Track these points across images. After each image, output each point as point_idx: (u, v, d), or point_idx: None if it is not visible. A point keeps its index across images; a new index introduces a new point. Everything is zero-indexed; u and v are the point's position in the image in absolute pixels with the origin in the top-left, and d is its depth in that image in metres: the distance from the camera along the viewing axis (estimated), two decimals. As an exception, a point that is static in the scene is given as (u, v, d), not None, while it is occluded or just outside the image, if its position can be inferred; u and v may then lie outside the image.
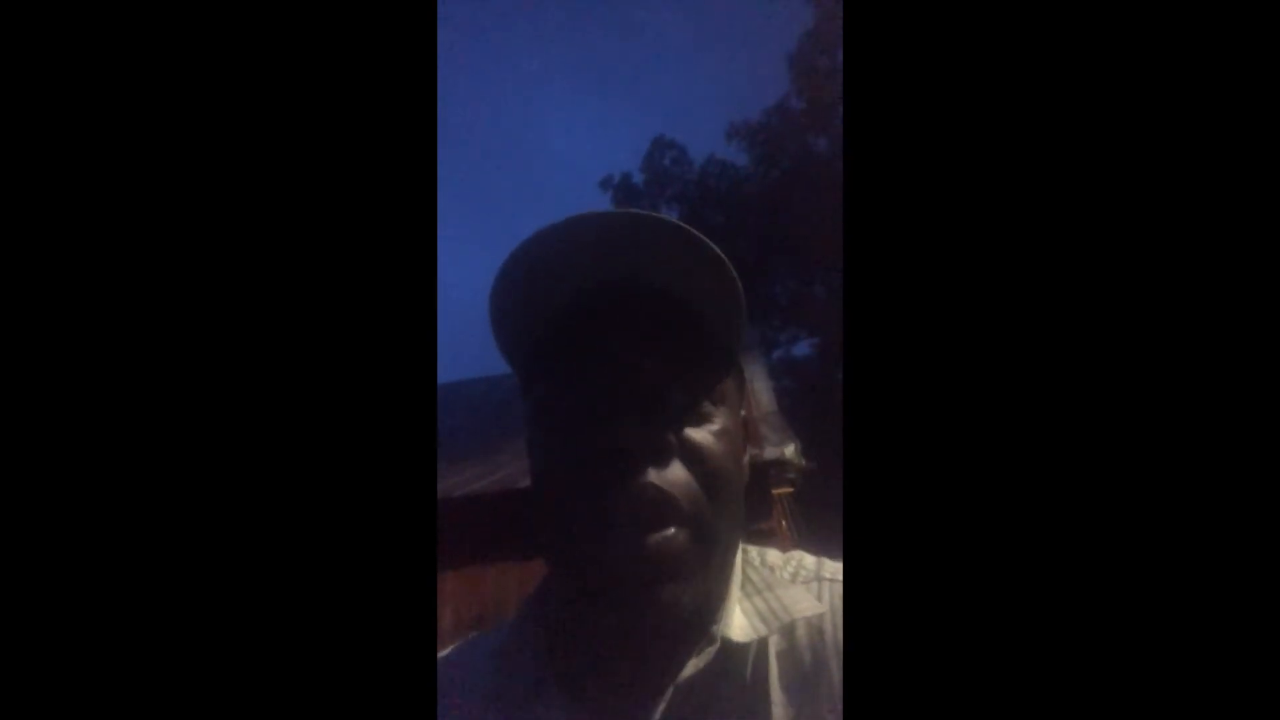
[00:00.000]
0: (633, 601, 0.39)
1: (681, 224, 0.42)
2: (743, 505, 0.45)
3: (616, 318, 0.43)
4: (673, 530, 0.39)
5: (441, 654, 0.50)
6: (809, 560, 0.49)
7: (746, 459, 0.48)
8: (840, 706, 0.40)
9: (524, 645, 0.46)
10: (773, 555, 0.50)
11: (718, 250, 0.42)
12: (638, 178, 14.66)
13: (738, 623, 0.43)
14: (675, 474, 0.40)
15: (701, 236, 0.42)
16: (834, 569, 0.47)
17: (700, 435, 0.42)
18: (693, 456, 0.41)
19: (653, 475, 0.40)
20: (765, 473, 4.09)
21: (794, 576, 0.47)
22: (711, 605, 0.44)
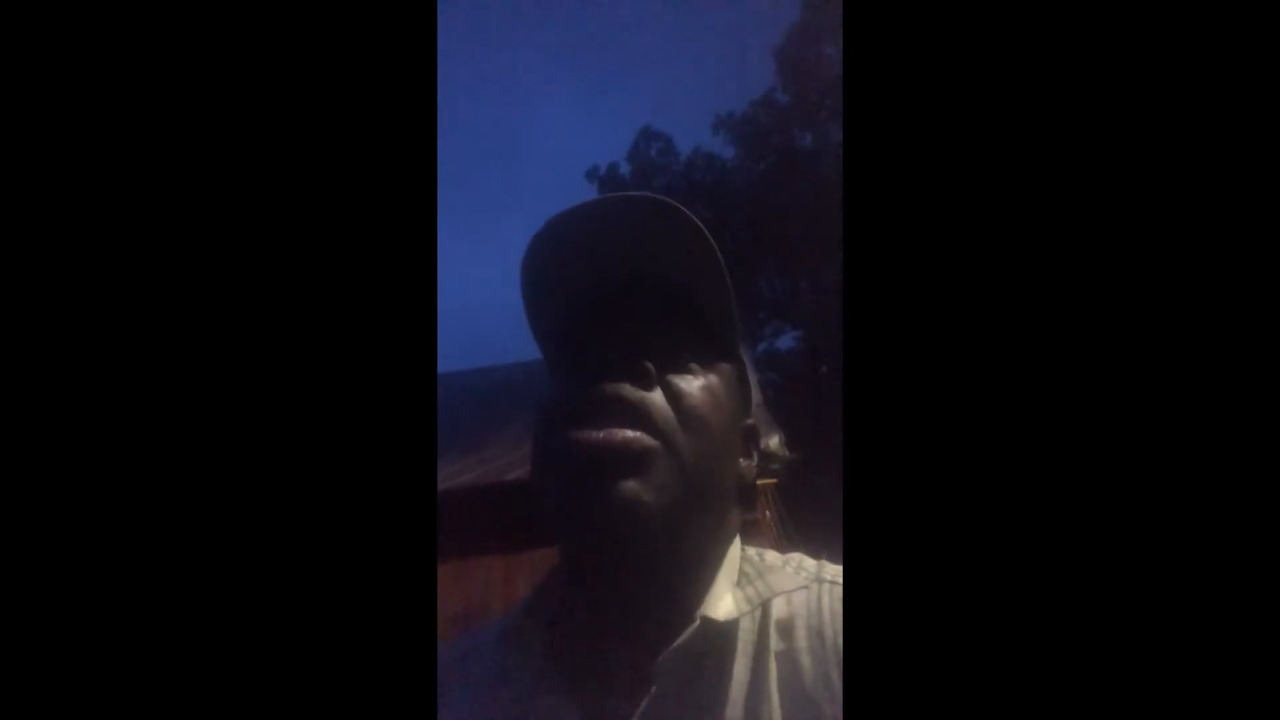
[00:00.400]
0: (589, 492, 0.40)
1: (680, 207, 0.45)
2: (722, 479, 0.46)
3: (625, 308, 0.47)
4: (637, 432, 0.42)
5: (447, 640, 0.51)
6: (809, 562, 0.49)
7: (754, 462, 0.50)
8: (840, 713, 0.40)
9: (529, 630, 0.47)
10: (771, 555, 0.50)
11: (709, 236, 0.46)
12: (624, 168, 14.61)
13: (723, 606, 0.44)
14: (653, 396, 0.43)
15: (698, 222, 0.45)
16: (834, 571, 0.48)
17: (684, 382, 0.45)
18: (672, 392, 0.44)
19: (629, 389, 0.43)
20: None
21: (795, 572, 0.48)
22: (699, 589, 0.45)
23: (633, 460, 0.41)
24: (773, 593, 0.45)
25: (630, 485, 0.40)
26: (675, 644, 0.41)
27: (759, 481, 0.51)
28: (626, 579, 0.43)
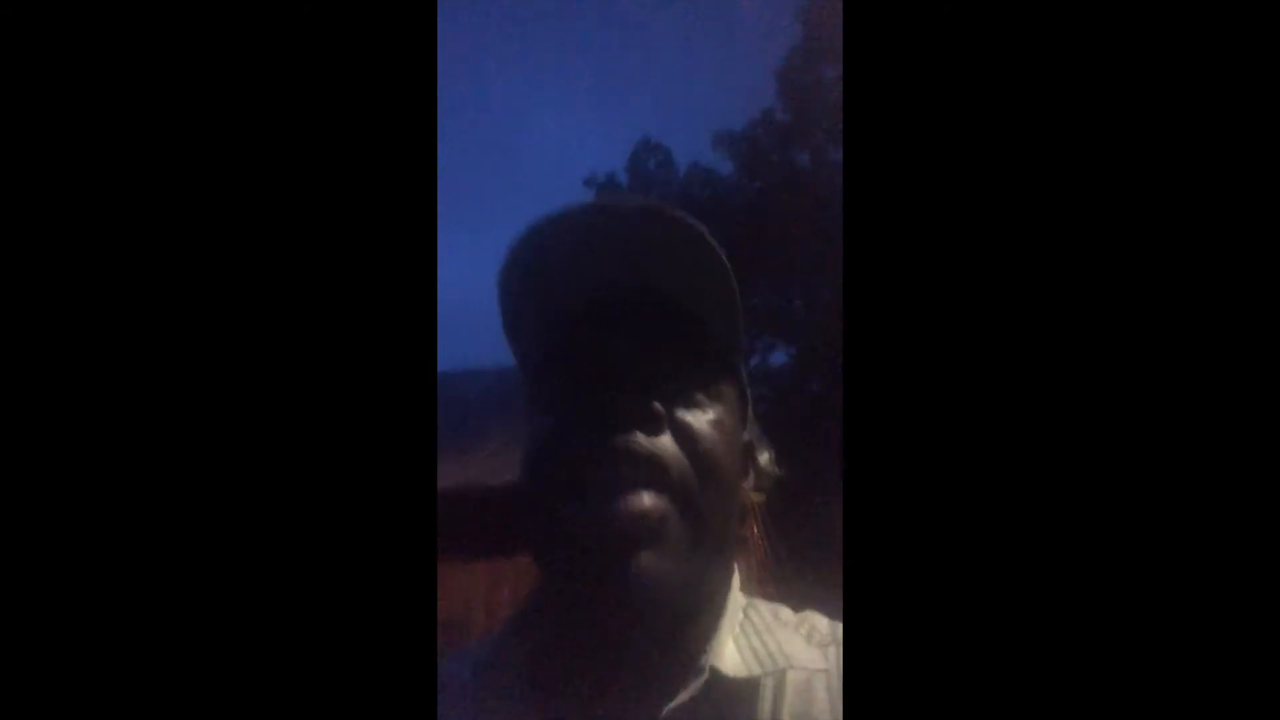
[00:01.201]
0: (608, 570, 0.37)
1: (691, 220, 0.41)
2: (733, 520, 0.44)
3: (622, 319, 0.42)
4: (654, 498, 0.38)
5: None
6: (823, 623, 0.46)
7: (750, 481, 0.47)
8: None
9: (508, 662, 0.44)
10: (785, 611, 0.48)
11: (720, 251, 0.42)
12: (623, 178, 14.71)
13: (729, 657, 0.41)
14: (664, 443, 0.39)
15: (703, 230, 0.42)
16: None
17: (693, 417, 0.41)
18: (684, 434, 0.40)
19: (640, 439, 0.39)
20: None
21: (808, 638, 0.45)
22: (700, 632, 0.42)
23: (649, 531, 0.38)
24: (789, 663, 0.42)
25: (647, 559, 0.37)
26: (682, 697, 0.39)
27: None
28: (625, 623, 0.39)
